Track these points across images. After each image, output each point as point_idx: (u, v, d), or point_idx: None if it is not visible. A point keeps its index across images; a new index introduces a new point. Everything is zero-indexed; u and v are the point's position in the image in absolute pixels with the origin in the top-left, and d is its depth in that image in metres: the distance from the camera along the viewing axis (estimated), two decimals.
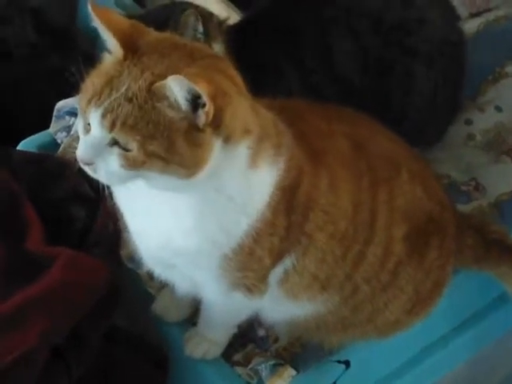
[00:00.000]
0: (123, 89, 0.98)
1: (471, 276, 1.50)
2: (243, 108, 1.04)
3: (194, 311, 1.43)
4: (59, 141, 1.74)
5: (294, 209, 1.15)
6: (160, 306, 1.43)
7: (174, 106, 0.97)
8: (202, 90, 0.93)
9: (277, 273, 1.22)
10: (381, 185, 1.22)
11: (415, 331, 1.46)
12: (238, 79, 1.06)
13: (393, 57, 1.54)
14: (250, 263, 1.17)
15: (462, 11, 1.95)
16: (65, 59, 2.26)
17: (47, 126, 1.77)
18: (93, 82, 1.03)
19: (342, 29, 1.53)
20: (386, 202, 1.23)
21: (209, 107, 0.95)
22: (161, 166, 0.99)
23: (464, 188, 1.66)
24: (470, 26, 1.94)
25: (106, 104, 0.99)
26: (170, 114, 0.97)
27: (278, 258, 1.19)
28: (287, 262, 1.21)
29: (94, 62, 2.30)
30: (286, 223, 1.15)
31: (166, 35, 1.08)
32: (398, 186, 1.24)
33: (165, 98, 0.96)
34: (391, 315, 1.33)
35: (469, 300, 1.57)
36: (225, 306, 1.31)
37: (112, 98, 0.98)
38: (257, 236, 1.13)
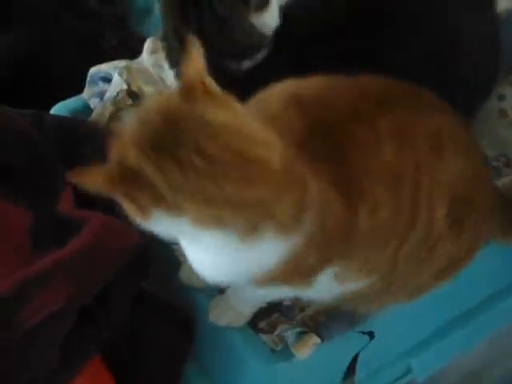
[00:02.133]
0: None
1: (501, 250, 1.50)
2: (216, 206, 1.01)
3: None
4: (92, 106, 1.75)
5: (332, 248, 1.17)
6: (186, 274, 1.43)
7: None
8: None
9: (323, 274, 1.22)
10: (425, 173, 1.20)
11: (440, 304, 1.47)
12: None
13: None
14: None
15: None
16: (100, 25, 2.28)
17: (81, 91, 1.78)
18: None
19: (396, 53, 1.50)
20: (428, 190, 1.20)
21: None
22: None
23: (494, 163, 1.66)
24: (504, 1, 1.90)
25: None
26: None
27: (315, 273, 1.20)
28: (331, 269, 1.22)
29: (127, 28, 2.32)
30: (318, 263, 1.18)
31: None
32: (441, 167, 1.22)
33: None
34: (422, 281, 1.34)
35: (497, 274, 1.57)
36: (262, 292, 1.31)
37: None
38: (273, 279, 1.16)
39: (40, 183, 1.44)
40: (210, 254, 1.14)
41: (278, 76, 1.36)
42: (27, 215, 1.39)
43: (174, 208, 0.99)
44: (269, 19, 1.47)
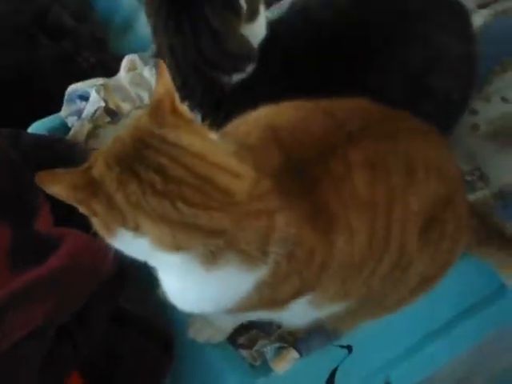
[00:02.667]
0: None
1: (476, 263, 1.50)
2: (172, 233, 1.02)
3: None
4: (70, 124, 1.76)
5: (304, 283, 1.17)
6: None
7: None
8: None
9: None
10: (397, 201, 1.20)
11: (418, 317, 1.47)
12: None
13: (413, 102, 1.52)
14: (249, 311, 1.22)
15: (470, 3, 1.94)
16: (77, 44, 2.29)
17: (58, 110, 1.79)
18: None
19: (375, 86, 1.50)
20: (401, 213, 1.21)
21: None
22: None
23: (468, 177, 1.65)
24: (478, 18, 1.93)
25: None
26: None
27: (286, 304, 1.21)
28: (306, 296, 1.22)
29: (105, 46, 2.33)
30: (292, 292, 1.18)
31: None
32: (413, 192, 1.22)
33: None
34: (397, 297, 1.35)
35: (472, 287, 1.58)
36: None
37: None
38: (245, 307, 1.17)
39: (18, 202, 1.44)
40: (177, 280, 1.15)
41: (262, 92, 1.41)
42: (6, 234, 1.39)
43: (131, 225, 1.01)
44: (257, 30, 1.50)
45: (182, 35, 1.44)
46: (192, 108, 1.49)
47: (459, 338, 1.61)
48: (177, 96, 1.06)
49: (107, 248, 1.12)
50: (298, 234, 1.11)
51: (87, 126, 1.72)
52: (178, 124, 1.04)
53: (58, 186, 1.01)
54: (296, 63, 1.50)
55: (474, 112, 1.77)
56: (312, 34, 1.54)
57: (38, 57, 2.13)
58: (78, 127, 1.73)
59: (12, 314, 1.25)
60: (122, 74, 1.87)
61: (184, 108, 1.07)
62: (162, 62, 1.11)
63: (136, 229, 1.01)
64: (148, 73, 1.85)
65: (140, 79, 1.85)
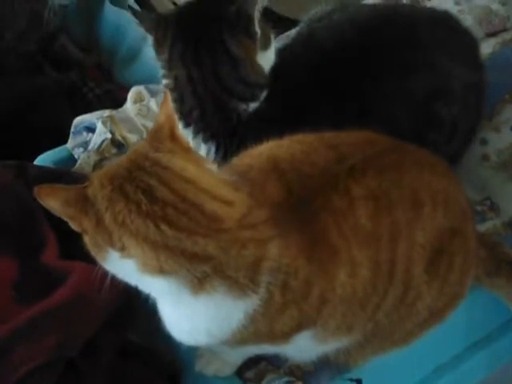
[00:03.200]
0: None
1: (485, 294, 1.49)
2: (152, 256, 1.03)
3: None
4: (76, 156, 1.76)
5: (303, 316, 1.16)
6: None
7: None
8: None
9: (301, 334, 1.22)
10: (401, 233, 1.20)
11: (427, 350, 1.45)
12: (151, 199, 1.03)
13: (420, 130, 1.53)
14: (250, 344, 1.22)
15: (478, 31, 1.95)
16: (83, 74, 2.31)
17: (65, 142, 1.79)
18: None
19: (379, 109, 1.52)
20: (406, 247, 1.21)
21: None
22: None
23: (478, 208, 1.66)
24: (486, 46, 1.93)
25: None
26: None
27: (286, 339, 1.20)
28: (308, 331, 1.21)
29: (111, 78, 2.34)
30: (291, 327, 1.16)
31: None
32: (419, 225, 1.22)
33: None
34: (406, 331, 1.34)
35: (482, 319, 1.55)
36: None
37: None
38: (242, 339, 1.16)
39: (24, 235, 1.44)
40: (169, 307, 1.15)
41: (273, 119, 1.45)
42: (13, 267, 1.39)
43: (117, 245, 1.02)
44: (270, 58, 1.52)
45: (201, 65, 1.46)
46: (206, 140, 1.51)
47: (469, 372, 1.58)
48: (177, 124, 1.09)
49: (114, 280, 1.12)
50: (292, 265, 1.10)
51: (94, 158, 1.73)
52: (174, 150, 1.06)
53: (53, 200, 1.04)
54: (301, 91, 1.51)
55: (484, 142, 1.77)
56: (316, 62, 1.55)
57: (44, 87, 2.14)
58: (84, 159, 1.74)
59: (19, 348, 1.24)
60: (129, 106, 1.88)
61: (183, 136, 1.09)
62: (167, 92, 1.13)
63: (122, 249, 1.03)
64: (154, 104, 1.85)
65: (146, 111, 1.86)
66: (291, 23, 1.81)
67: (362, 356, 1.38)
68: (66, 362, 1.30)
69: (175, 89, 1.48)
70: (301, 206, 1.13)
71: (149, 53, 1.60)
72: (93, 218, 1.03)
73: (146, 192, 1.01)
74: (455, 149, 1.63)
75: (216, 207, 1.05)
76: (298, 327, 1.17)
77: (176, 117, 1.13)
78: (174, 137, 1.07)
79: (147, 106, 1.87)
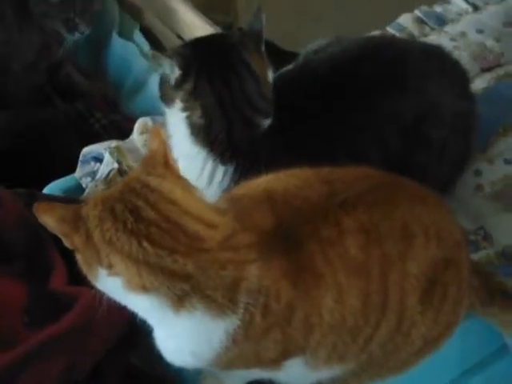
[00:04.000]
0: None
1: (480, 322, 1.51)
2: (134, 273, 1.07)
3: None
4: (84, 185, 1.80)
5: (289, 339, 1.17)
6: None
7: None
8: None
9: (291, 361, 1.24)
10: (393, 265, 1.21)
11: (423, 376, 1.46)
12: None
13: (407, 150, 1.59)
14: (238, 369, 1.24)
15: (474, 67, 2.00)
16: (89, 104, 2.33)
17: (73, 171, 1.83)
18: None
19: (369, 132, 1.58)
20: (398, 279, 1.22)
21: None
22: None
23: (472, 237, 1.68)
24: (481, 81, 1.98)
25: None
26: None
27: (275, 364, 1.22)
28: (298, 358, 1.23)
29: (117, 109, 2.36)
30: (277, 352, 1.18)
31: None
32: (411, 257, 1.23)
33: None
34: (400, 360, 1.34)
35: (475, 346, 1.57)
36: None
37: None
38: (229, 362, 1.18)
39: (33, 261, 1.48)
40: (155, 327, 1.18)
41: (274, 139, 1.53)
42: (23, 293, 1.42)
43: (105, 262, 1.07)
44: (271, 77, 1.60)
45: (230, 86, 1.53)
46: (226, 161, 1.56)
47: None
48: (170, 152, 1.14)
49: (120, 306, 1.16)
50: (273, 288, 1.12)
51: (101, 187, 1.76)
52: (164, 175, 1.11)
53: (49, 216, 1.09)
54: (296, 111, 1.58)
55: (478, 173, 1.80)
56: (309, 85, 1.63)
57: (52, 118, 2.16)
58: (92, 188, 1.77)
59: (28, 372, 1.27)
60: (135, 137, 1.91)
61: (175, 164, 1.14)
62: (157, 126, 1.21)
63: (109, 266, 1.07)
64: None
65: None
66: (292, 56, 1.87)
67: (358, 383, 1.39)
68: None
69: (202, 116, 1.52)
70: (288, 235, 1.16)
71: (154, 85, 1.65)
72: (83, 235, 1.07)
73: (133, 212, 1.06)
74: (446, 173, 1.67)
75: (199, 228, 1.09)
76: (285, 353, 1.19)
77: (168, 144, 1.17)
78: (166, 163, 1.12)
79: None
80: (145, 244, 1.05)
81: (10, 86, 2.24)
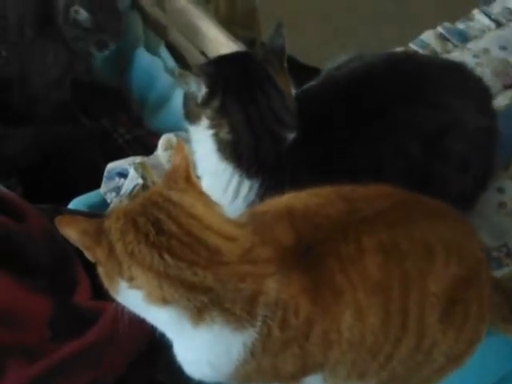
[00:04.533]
0: None
1: (501, 339, 1.50)
2: (153, 286, 1.08)
3: None
4: (109, 201, 1.81)
5: (308, 355, 1.17)
6: None
7: None
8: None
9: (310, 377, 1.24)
10: (413, 284, 1.22)
11: None
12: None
13: (429, 163, 1.60)
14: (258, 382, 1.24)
15: (496, 84, 2.00)
16: (114, 121, 2.35)
17: (98, 186, 1.84)
18: None
19: (390, 146, 1.59)
20: (418, 297, 1.22)
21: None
22: None
23: (495, 254, 1.68)
24: (503, 98, 1.98)
25: None
26: None
27: (294, 380, 1.23)
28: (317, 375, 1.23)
29: (141, 126, 2.37)
30: (296, 367, 1.19)
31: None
32: (432, 276, 1.23)
33: None
34: (422, 376, 1.34)
35: (497, 363, 1.56)
36: None
37: None
38: (247, 376, 1.19)
39: (58, 276, 1.50)
40: (174, 340, 1.19)
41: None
42: (48, 307, 1.44)
43: (126, 274, 1.09)
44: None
45: (257, 102, 1.54)
46: (252, 176, 1.57)
47: None
48: (192, 167, 1.17)
49: (143, 320, 1.17)
50: (291, 302, 1.13)
51: (126, 202, 1.76)
52: (186, 189, 1.14)
53: (72, 229, 1.11)
54: (318, 122, 1.59)
55: (501, 190, 1.80)
56: (331, 96, 1.65)
57: (77, 134, 2.18)
58: (116, 203, 1.78)
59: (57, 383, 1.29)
60: (160, 153, 1.92)
61: (197, 179, 1.18)
62: (180, 141, 1.24)
63: (131, 279, 1.09)
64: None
65: None
66: (314, 72, 1.88)
67: None
68: None
69: (230, 132, 1.54)
70: (307, 251, 1.17)
71: (178, 101, 1.66)
72: (106, 248, 1.09)
73: (154, 225, 1.08)
74: (469, 189, 1.67)
75: (219, 242, 1.11)
76: (304, 369, 1.20)
77: (191, 160, 1.20)
78: (188, 178, 1.14)
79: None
80: (166, 256, 1.07)
81: (34, 102, 2.27)
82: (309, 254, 1.17)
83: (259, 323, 1.12)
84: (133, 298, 1.11)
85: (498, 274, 1.61)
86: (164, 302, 1.09)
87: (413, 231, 1.25)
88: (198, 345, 1.15)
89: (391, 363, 1.25)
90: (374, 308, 1.18)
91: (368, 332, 1.19)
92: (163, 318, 1.12)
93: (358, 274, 1.18)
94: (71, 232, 1.11)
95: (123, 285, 1.10)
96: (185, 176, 1.14)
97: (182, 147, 1.18)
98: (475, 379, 1.52)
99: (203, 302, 1.09)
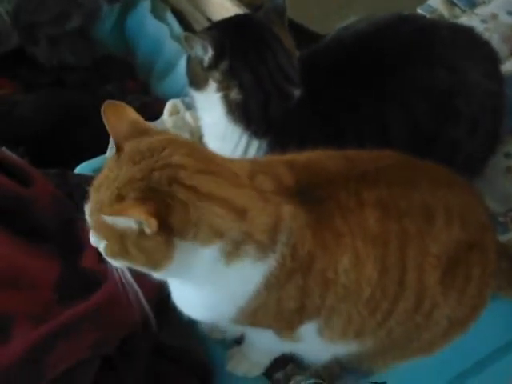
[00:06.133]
0: (101, 193, 1.10)
1: (508, 303, 1.52)
2: (214, 215, 1.08)
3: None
4: None
5: (307, 292, 1.18)
6: (206, 325, 1.49)
7: (124, 222, 1.06)
8: (137, 216, 1.03)
9: (306, 328, 1.25)
10: (411, 242, 1.22)
11: (451, 356, 1.47)
12: (217, 185, 1.10)
13: (438, 125, 1.60)
14: (259, 326, 1.26)
15: (503, 49, 2.00)
16: (121, 87, 2.35)
17: (104, 151, 1.84)
18: (97, 176, 1.14)
19: (397, 104, 1.59)
20: (416, 256, 1.23)
21: (149, 224, 1.03)
22: (127, 262, 1.12)
23: (501, 219, 1.69)
24: (511, 63, 1.97)
25: (91, 207, 1.12)
26: (122, 225, 1.07)
27: (292, 325, 1.24)
28: (311, 323, 1.24)
29: (148, 92, 2.38)
30: (296, 304, 1.19)
31: (155, 139, 1.14)
32: (431, 236, 1.24)
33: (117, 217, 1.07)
34: (426, 340, 1.36)
35: (505, 327, 1.58)
36: (261, 338, 1.37)
37: (93, 202, 1.11)
38: (254, 313, 1.20)
39: (66, 239, 1.51)
40: (194, 288, 1.19)
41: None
42: (55, 269, 1.45)
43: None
44: None
45: (266, 61, 1.56)
46: (261, 135, 1.59)
47: (492, 376, 1.60)
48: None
49: (151, 282, 1.18)
50: (299, 233, 1.15)
51: None
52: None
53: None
54: (324, 80, 1.61)
55: (509, 155, 1.81)
56: (337, 55, 1.66)
57: (86, 99, 2.19)
58: None
59: (59, 346, 1.29)
60: (165, 118, 1.93)
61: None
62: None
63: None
64: (189, 117, 1.91)
65: (182, 122, 1.91)
66: (320, 38, 1.88)
67: (383, 362, 1.42)
68: (104, 361, 1.36)
69: (240, 93, 1.55)
70: (307, 193, 1.18)
71: (184, 67, 1.66)
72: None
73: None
74: (477, 152, 1.67)
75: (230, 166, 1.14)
76: (303, 309, 1.20)
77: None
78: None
79: (182, 118, 1.93)
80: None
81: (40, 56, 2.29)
82: (308, 196, 1.18)
83: (278, 250, 1.13)
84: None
85: (504, 238, 1.62)
86: (220, 235, 1.09)
87: (413, 192, 1.26)
88: (222, 283, 1.15)
89: (389, 322, 1.26)
90: (371, 259, 1.19)
91: (365, 282, 1.20)
92: (202, 260, 1.11)
93: (356, 223, 1.19)
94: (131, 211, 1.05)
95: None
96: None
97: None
98: (480, 344, 1.53)
99: (239, 239, 1.10)
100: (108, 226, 1.08)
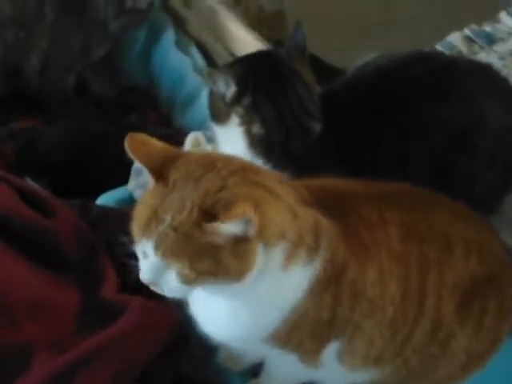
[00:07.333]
0: (168, 219, 1.06)
1: None
2: (280, 213, 1.10)
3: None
4: (136, 196, 1.83)
5: (339, 302, 1.19)
6: (224, 355, 1.50)
7: (224, 235, 1.05)
8: (245, 215, 1.02)
9: (329, 351, 1.26)
10: (431, 266, 1.24)
11: None
12: (273, 185, 1.12)
13: (456, 162, 1.62)
14: (289, 346, 1.24)
15: None
16: (143, 119, 2.37)
17: (125, 182, 1.86)
18: (140, 211, 1.11)
19: (417, 139, 1.61)
20: (435, 281, 1.24)
21: (255, 222, 1.03)
22: (212, 279, 1.08)
23: None
24: None
25: (155, 236, 1.07)
26: (219, 240, 1.05)
27: (321, 343, 1.24)
28: (335, 344, 1.25)
29: (170, 123, 2.39)
30: (329, 315, 1.20)
31: (199, 156, 1.15)
32: (450, 265, 1.26)
33: (216, 233, 1.04)
34: (444, 374, 1.36)
35: None
36: (282, 366, 1.37)
37: (159, 229, 1.06)
38: (292, 326, 1.19)
39: (86, 269, 1.52)
40: (232, 303, 1.18)
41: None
42: (76, 299, 1.47)
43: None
44: None
45: (287, 96, 1.59)
46: (281, 169, 1.57)
47: None
48: None
49: (170, 313, 1.19)
50: (334, 240, 1.16)
51: None
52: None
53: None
54: (344, 114, 1.64)
55: None
56: (357, 90, 1.69)
57: (109, 130, 2.21)
58: None
59: (81, 375, 1.30)
60: (186, 149, 1.94)
61: None
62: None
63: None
64: (211, 150, 1.92)
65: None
66: (340, 73, 1.90)
67: None
68: None
69: (262, 127, 1.58)
70: (328, 208, 1.19)
71: (206, 99, 1.69)
72: None
73: None
74: (494, 187, 1.69)
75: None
76: (333, 324, 1.20)
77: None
78: None
79: (204, 150, 1.94)
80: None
81: (50, 88, 2.32)
82: (329, 210, 1.19)
83: (321, 254, 1.15)
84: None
85: None
86: (283, 235, 1.10)
87: (433, 219, 1.28)
88: (273, 291, 1.15)
89: (406, 349, 1.27)
90: (395, 276, 1.21)
91: (388, 301, 1.22)
92: (267, 264, 1.11)
93: (381, 237, 1.21)
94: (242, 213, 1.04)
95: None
96: None
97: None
98: (500, 379, 1.53)
99: (298, 234, 1.12)
100: (196, 244, 1.05)
